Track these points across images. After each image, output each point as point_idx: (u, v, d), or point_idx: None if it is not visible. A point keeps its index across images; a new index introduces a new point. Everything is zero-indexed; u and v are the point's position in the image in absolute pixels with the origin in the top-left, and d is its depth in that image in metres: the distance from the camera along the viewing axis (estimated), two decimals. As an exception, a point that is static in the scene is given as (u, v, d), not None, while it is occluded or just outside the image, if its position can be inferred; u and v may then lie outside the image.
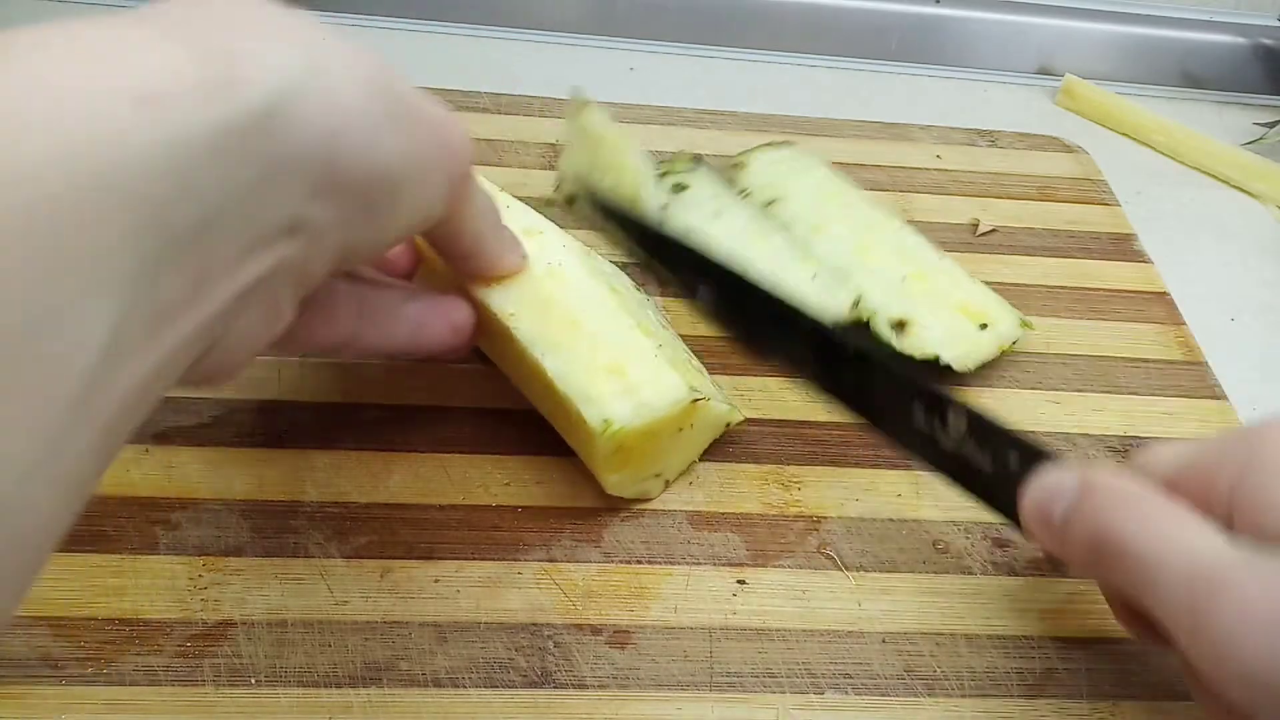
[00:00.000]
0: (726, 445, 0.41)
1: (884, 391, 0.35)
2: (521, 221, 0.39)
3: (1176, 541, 0.27)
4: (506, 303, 0.37)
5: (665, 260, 0.38)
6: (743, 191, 0.51)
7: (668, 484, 0.39)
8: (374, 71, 0.26)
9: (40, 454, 0.19)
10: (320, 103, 0.24)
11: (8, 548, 0.19)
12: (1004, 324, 0.45)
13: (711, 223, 0.49)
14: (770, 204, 0.50)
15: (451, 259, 0.35)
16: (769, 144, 0.54)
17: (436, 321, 0.35)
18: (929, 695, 0.34)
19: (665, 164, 0.52)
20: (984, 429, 0.33)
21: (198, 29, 0.22)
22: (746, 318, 0.38)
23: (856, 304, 0.45)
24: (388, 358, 0.35)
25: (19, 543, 0.19)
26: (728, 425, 0.40)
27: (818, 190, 0.51)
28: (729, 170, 0.53)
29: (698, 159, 0.53)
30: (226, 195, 0.22)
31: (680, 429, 0.37)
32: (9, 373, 0.18)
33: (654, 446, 0.37)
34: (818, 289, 0.46)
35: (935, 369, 0.43)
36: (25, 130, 0.18)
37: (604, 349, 0.36)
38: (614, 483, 0.37)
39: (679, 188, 0.51)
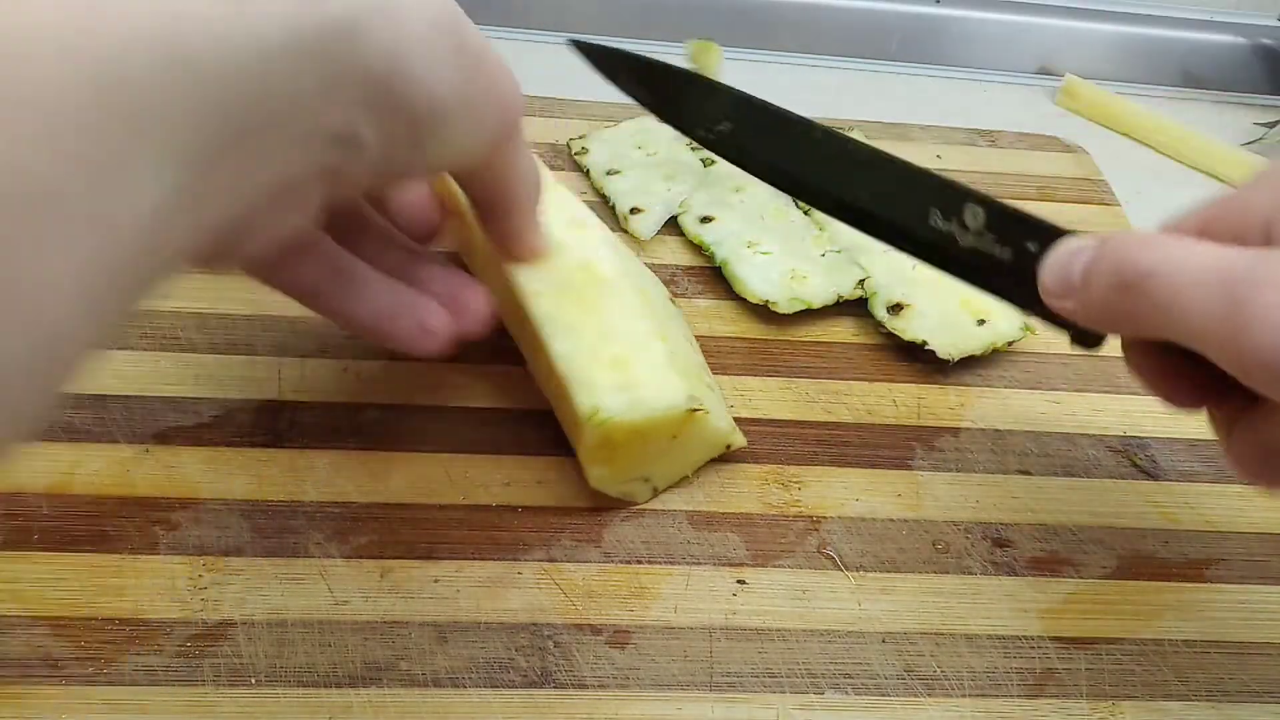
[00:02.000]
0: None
1: (898, 197, 0.35)
2: (567, 212, 0.40)
3: (1205, 253, 0.26)
4: (533, 280, 0.37)
5: (675, 97, 0.39)
6: None
7: (656, 491, 0.39)
8: (443, 13, 0.27)
9: (77, 305, 0.19)
10: (388, 27, 0.25)
11: (28, 393, 0.19)
12: (1003, 323, 0.45)
13: (731, 196, 0.50)
14: None
15: (482, 212, 0.36)
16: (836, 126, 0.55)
17: (405, 315, 0.34)
18: (929, 695, 0.34)
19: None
20: (1004, 218, 0.33)
21: None
22: (761, 147, 0.38)
23: (861, 283, 0.46)
24: (352, 332, 0.35)
25: (41, 388, 0.20)
26: (728, 446, 0.39)
27: None
28: None
29: None
30: (290, 97, 0.23)
31: (674, 436, 0.37)
32: (64, 224, 0.19)
33: (642, 448, 0.36)
34: (825, 267, 0.46)
35: (920, 354, 0.44)
36: (113, 7, 0.19)
37: (614, 343, 0.36)
38: (597, 476, 0.37)
39: (708, 163, 0.52)
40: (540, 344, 0.37)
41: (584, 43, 0.41)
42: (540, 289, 0.37)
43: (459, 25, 0.28)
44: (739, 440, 0.39)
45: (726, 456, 0.40)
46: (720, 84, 0.40)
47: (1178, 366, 0.30)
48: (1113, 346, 0.42)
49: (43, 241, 0.18)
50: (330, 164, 0.26)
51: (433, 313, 0.34)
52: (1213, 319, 0.25)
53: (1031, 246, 0.32)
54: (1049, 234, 0.32)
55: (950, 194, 0.34)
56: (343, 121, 0.25)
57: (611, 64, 0.41)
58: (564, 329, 0.36)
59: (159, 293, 0.23)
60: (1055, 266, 0.31)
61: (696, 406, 0.36)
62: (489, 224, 0.36)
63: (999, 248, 0.33)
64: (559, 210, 0.39)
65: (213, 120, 0.21)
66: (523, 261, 0.37)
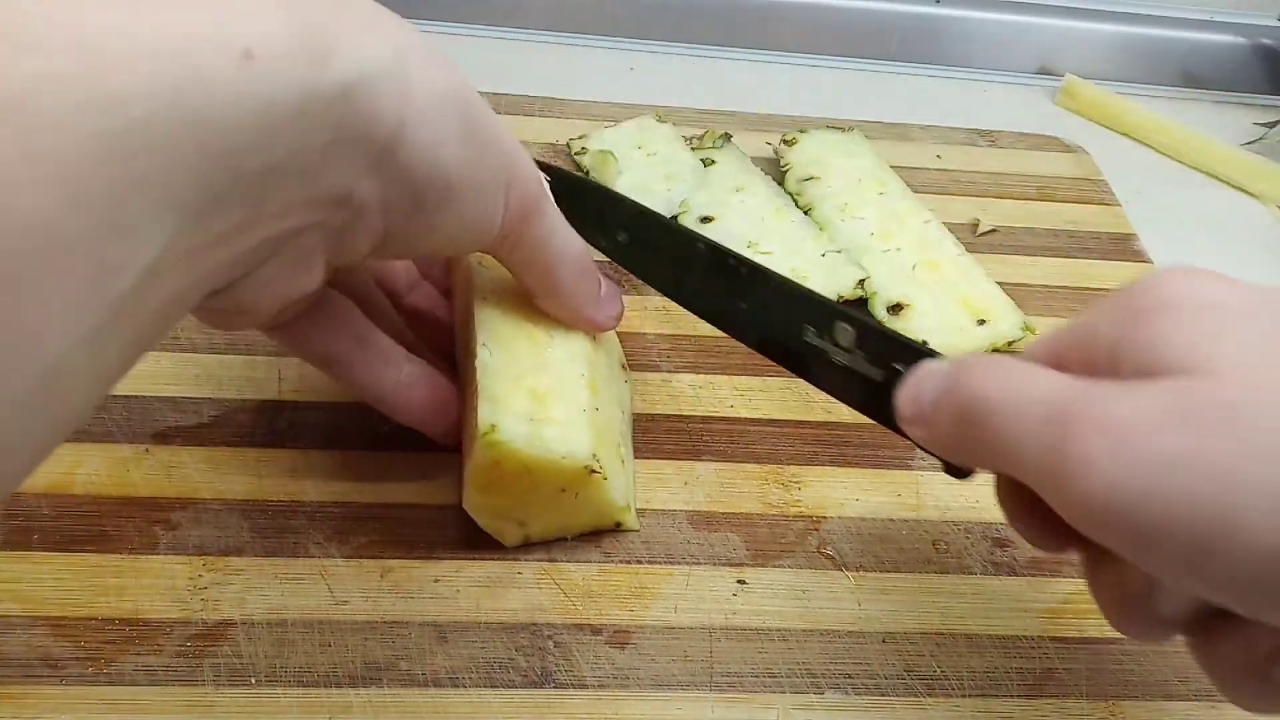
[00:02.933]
0: (726, 444, 0.41)
1: (775, 313, 0.35)
2: None
3: (1040, 383, 0.24)
4: (487, 284, 0.36)
5: (575, 207, 0.38)
6: (784, 165, 0.53)
7: (528, 540, 0.36)
8: (454, 90, 0.28)
9: (77, 344, 0.20)
10: (395, 96, 0.26)
11: (27, 429, 0.20)
12: (1004, 323, 0.45)
13: (731, 196, 0.50)
14: (807, 180, 0.52)
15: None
16: (830, 125, 0.55)
17: (421, 386, 0.35)
18: (929, 695, 0.34)
19: (696, 140, 0.54)
20: (872, 337, 0.32)
21: (304, 3, 0.24)
22: (654, 259, 0.38)
23: (861, 284, 0.46)
24: (372, 402, 0.35)
25: (41, 425, 0.21)
26: (618, 525, 0.37)
27: (859, 174, 0.52)
28: (780, 144, 0.54)
29: (727, 136, 0.54)
30: (293, 153, 0.24)
31: (563, 489, 0.34)
32: (68, 266, 0.19)
33: (528, 489, 0.34)
34: (825, 267, 0.46)
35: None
36: (122, 62, 0.20)
37: (542, 376, 0.34)
38: (474, 501, 0.34)
39: (707, 163, 0.52)
40: (470, 350, 0.35)
41: None
42: (491, 295, 0.36)
43: (470, 104, 0.29)
44: (632, 523, 0.37)
45: (727, 456, 0.40)
46: (618, 195, 0.39)
47: (1039, 504, 0.25)
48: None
49: (46, 280, 0.19)
50: (333, 224, 0.27)
51: (444, 386, 0.35)
52: (1037, 459, 0.23)
53: (899, 367, 0.30)
54: (915, 355, 0.30)
55: (821, 310, 0.33)
56: (343, 182, 0.26)
57: None
58: (497, 341, 0.35)
59: (162, 338, 0.24)
60: (909, 391, 0.29)
61: (595, 468, 0.34)
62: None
63: (871, 367, 0.32)
64: None
65: (215, 175, 0.22)
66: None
